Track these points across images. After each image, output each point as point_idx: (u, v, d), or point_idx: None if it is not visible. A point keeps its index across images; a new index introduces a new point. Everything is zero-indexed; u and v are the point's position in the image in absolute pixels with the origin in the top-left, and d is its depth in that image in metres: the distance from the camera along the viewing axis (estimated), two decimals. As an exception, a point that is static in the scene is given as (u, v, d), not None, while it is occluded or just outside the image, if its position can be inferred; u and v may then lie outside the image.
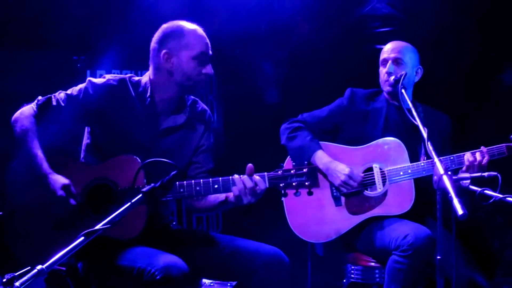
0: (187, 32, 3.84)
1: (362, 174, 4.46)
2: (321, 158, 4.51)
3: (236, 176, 3.57)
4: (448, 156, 4.34)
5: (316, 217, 4.50)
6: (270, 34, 7.22)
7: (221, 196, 3.77)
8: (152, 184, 3.02)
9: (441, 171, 3.28)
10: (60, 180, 3.57)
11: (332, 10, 6.91)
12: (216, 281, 5.11)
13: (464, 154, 4.33)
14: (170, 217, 4.20)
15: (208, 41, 3.90)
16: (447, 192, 3.16)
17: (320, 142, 4.62)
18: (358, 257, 4.57)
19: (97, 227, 2.68)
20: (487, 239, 6.55)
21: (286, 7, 6.97)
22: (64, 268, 3.80)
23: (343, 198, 4.48)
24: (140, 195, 2.95)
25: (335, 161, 4.48)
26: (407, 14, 6.75)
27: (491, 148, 4.33)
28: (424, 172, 4.37)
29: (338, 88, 4.94)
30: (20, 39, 6.56)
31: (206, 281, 5.16)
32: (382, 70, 4.65)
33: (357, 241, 4.50)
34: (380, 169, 4.45)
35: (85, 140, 3.96)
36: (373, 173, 4.46)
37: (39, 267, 2.41)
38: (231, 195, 3.66)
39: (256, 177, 3.55)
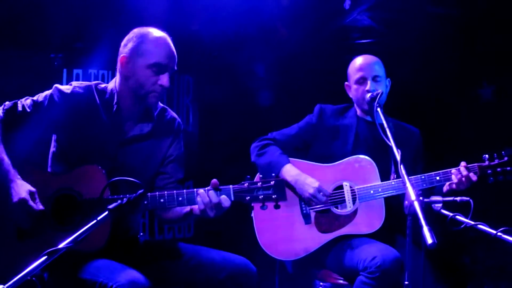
0: (148, 40, 3.76)
1: (331, 191, 4.44)
2: (289, 171, 4.48)
3: (201, 190, 3.53)
4: (419, 176, 4.32)
5: (286, 235, 4.47)
6: (250, 39, 7.19)
7: (186, 208, 3.74)
8: (119, 201, 3.00)
9: (413, 197, 3.26)
10: (25, 186, 3.51)
11: (314, 19, 6.90)
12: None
13: (438, 174, 4.32)
14: (140, 230, 4.15)
15: (172, 53, 3.81)
16: (418, 219, 3.14)
17: (290, 158, 4.59)
18: (327, 274, 4.54)
19: (60, 246, 2.67)
20: (458, 254, 6.57)
21: (267, 14, 6.94)
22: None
23: (312, 216, 4.46)
24: (106, 212, 2.91)
25: (304, 174, 4.45)
26: (387, 27, 6.74)
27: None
28: (394, 191, 4.35)
29: (319, 97, 4.92)
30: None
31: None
32: (359, 88, 4.60)
33: (326, 258, 4.47)
34: (351, 187, 4.43)
35: (52, 148, 3.91)
36: (343, 191, 4.44)
37: (0, 287, 2.37)
38: (196, 207, 3.61)
39: (223, 196, 3.51)
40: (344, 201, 4.42)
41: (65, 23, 6.51)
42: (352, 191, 4.41)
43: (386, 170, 4.51)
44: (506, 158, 4.31)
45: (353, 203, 4.39)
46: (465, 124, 6.59)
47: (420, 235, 3.18)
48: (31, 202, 3.46)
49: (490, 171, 4.28)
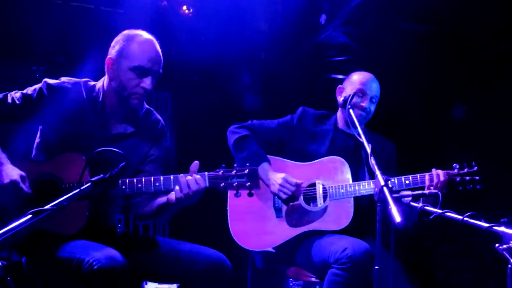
0: (134, 42, 3.83)
1: (303, 185, 4.55)
2: (265, 169, 4.60)
3: (181, 175, 3.64)
4: (389, 178, 4.41)
5: (257, 226, 4.60)
6: (231, 59, 7.30)
7: (163, 199, 3.83)
8: (101, 175, 3.06)
9: (382, 182, 3.36)
10: (16, 170, 3.60)
11: (289, 37, 7.02)
12: (160, 284, 5.13)
13: (407, 177, 4.42)
14: (117, 221, 4.21)
15: (156, 56, 3.86)
16: (387, 204, 3.23)
17: (268, 155, 4.72)
18: (299, 272, 4.65)
19: (46, 207, 2.69)
20: (433, 268, 6.62)
21: (244, 33, 7.07)
22: (5, 263, 3.79)
23: (284, 210, 4.58)
24: (89, 183, 2.98)
25: (275, 172, 4.57)
26: (361, 44, 6.86)
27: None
28: (364, 191, 4.45)
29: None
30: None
31: (150, 284, 5.19)
32: (358, 100, 4.69)
33: (296, 255, 4.58)
34: (323, 185, 4.54)
35: (37, 139, 3.99)
36: (315, 189, 4.56)
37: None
38: (172, 196, 3.70)
39: (197, 176, 3.62)
40: (315, 198, 4.54)
41: (48, 36, 6.61)
42: (324, 189, 4.53)
43: (358, 178, 4.64)
44: (475, 168, 4.39)
45: (324, 201, 4.50)
46: (437, 142, 6.67)
47: (389, 239, 3.29)
48: (22, 185, 3.54)
49: (458, 179, 4.37)
